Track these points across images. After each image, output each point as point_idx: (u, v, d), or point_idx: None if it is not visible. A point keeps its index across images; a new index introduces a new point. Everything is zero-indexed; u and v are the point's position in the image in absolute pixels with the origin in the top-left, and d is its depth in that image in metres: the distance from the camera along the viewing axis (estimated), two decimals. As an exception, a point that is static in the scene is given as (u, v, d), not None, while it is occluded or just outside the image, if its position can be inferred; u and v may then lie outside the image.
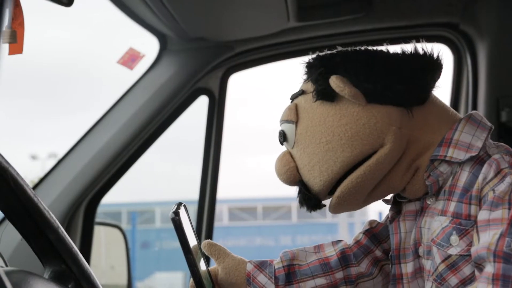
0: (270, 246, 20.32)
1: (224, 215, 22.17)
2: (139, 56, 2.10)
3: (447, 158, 1.25)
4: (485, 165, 1.20)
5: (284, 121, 1.37)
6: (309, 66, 1.35)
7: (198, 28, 2.17)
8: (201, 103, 2.33)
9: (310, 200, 1.34)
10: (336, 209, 1.34)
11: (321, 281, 1.43)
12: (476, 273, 1.17)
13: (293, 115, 1.34)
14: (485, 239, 1.14)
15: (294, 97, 1.38)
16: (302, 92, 1.36)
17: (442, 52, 1.36)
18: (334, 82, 1.28)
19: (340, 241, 1.51)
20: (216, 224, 2.41)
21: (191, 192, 2.43)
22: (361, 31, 2.26)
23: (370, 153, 1.28)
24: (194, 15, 2.06)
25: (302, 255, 1.46)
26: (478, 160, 1.23)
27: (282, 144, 1.39)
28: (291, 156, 1.36)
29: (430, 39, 2.26)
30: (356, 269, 1.45)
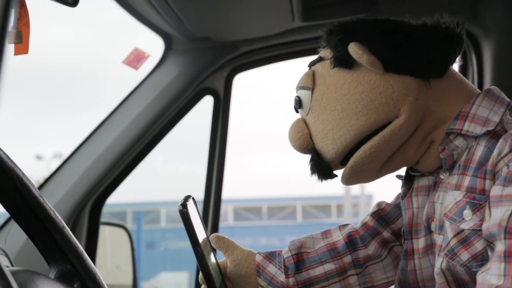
0: (275, 246, 20.25)
1: (229, 215, 22.18)
2: (144, 56, 2.10)
3: (463, 132, 1.24)
4: (501, 140, 1.18)
5: (300, 87, 1.35)
6: (329, 32, 1.34)
7: (203, 28, 2.17)
8: (206, 103, 2.33)
9: (321, 167, 1.33)
10: (349, 179, 1.33)
11: (329, 266, 1.42)
12: (489, 253, 1.16)
13: (310, 82, 1.33)
14: (497, 216, 1.12)
15: (312, 64, 1.37)
16: (320, 59, 1.35)
17: (463, 28, 1.35)
18: (353, 48, 1.27)
19: (347, 225, 1.51)
20: (221, 224, 2.41)
21: (196, 192, 2.43)
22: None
23: (384, 123, 1.26)
24: (199, 15, 2.06)
25: (309, 242, 1.46)
26: (494, 135, 1.21)
27: (297, 111, 1.38)
28: (305, 123, 1.35)
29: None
30: (363, 252, 1.44)
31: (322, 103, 1.31)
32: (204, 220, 2.34)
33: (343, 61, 1.29)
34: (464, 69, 2.27)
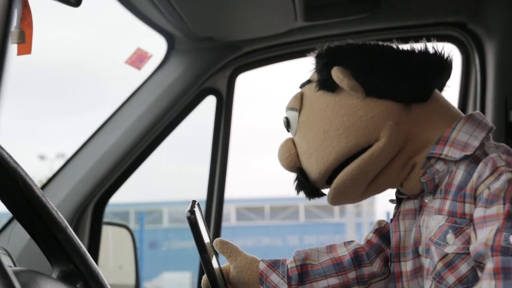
0: (277, 246, 20.30)
1: (232, 215, 22.16)
2: (147, 56, 2.10)
3: (442, 156, 1.26)
4: (481, 164, 1.21)
5: (289, 108, 1.40)
6: (317, 56, 1.38)
7: (205, 28, 2.17)
8: (209, 103, 2.33)
9: (305, 187, 1.37)
10: (334, 200, 1.36)
11: (333, 280, 1.43)
12: (479, 273, 1.17)
13: (298, 103, 1.37)
14: (482, 236, 1.15)
15: (302, 85, 1.41)
16: (309, 81, 1.39)
17: (452, 52, 1.36)
18: (335, 73, 1.30)
19: (352, 241, 1.51)
20: (224, 224, 2.40)
21: (199, 192, 2.43)
22: (369, 31, 2.26)
23: (364, 146, 1.29)
24: (202, 15, 2.06)
25: (314, 255, 1.46)
26: (474, 159, 1.24)
27: (288, 131, 1.42)
28: (293, 143, 1.39)
29: (437, 38, 2.25)
30: (369, 269, 1.45)
31: (307, 124, 1.35)
32: (207, 220, 2.34)
33: (327, 85, 1.33)
34: (467, 68, 2.26)
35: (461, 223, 1.21)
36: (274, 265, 1.44)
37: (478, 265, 1.17)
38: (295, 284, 1.41)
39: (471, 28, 2.21)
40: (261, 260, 1.44)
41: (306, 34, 2.24)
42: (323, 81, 1.33)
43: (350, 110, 1.30)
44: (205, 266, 1.28)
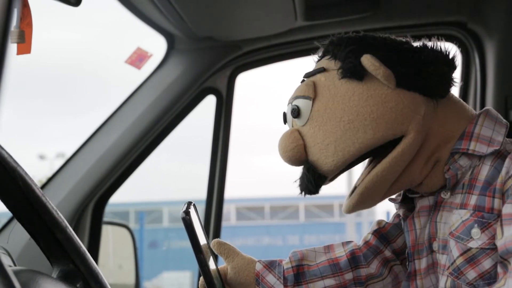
0: (277, 245, 20.30)
1: (232, 215, 22.17)
2: (147, 56, 2.10)
3: (469, 152, 1.24)
4: (507, 159, 1.20)
5: (299, 96, 1.32)
6: (335, 44, 1.33)
7: (205, 28, 2.17)
8: (209, 103, 2.33)
9: (310, 182, 1.29)
10: (356, 206, 1.30)
11: (330, 281, 1.42)
12: (499, 269, 1.16)
13: (311, 91, 1.31)
14: (510, 233, 1.13)
15: (310, 74, 1.35)
16: (322, 70, 1.33)
17: (455, 50, 1.35)
18: (369, 60, 1.25)
19: (350, 242, 1.50)
20: (224, 223, 2.41)
21: (199, 191, 2.43)
22: (369, 30, 2.24)
23: (390, 138, 1.25)
24: (202, 14, 2.06)
25: (311, 255, 1.45)
26: (499, 155, 1.23)
27: (285, 122, 1.36)
28: (300, 134, 1.32)
29: (438, 38, 2.25)
30: (366, 270, 1.44)
31: (325, 113, 1.28)
32: (207, 219, 2.34)
33: (354, 72, 1.27)
34: (467, 68, 2.26)
35: (488, 218, 1.19)
36: (270, 265, 1.43)
37: (502, 261, 1.16)
38: (291, 285, 1.41)
39: (471, 28, 2.21)
40: (258, 261, 1.44)
41: (306, 34, 2.24)
42: (350, 69, 1.27)
43: (380, 100, 1.24)
44: (201, 267, 1.28)
